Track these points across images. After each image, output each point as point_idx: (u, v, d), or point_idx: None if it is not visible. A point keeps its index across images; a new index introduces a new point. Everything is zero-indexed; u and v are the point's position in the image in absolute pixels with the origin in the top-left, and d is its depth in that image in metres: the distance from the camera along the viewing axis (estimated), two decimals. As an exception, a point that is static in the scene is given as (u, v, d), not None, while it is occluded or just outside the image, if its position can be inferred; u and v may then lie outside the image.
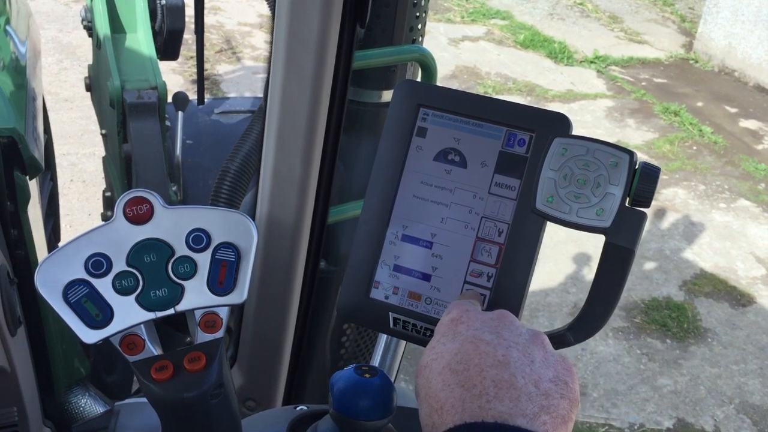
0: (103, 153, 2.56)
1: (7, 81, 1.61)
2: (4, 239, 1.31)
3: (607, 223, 0.67)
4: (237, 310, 1.35)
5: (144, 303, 0.65)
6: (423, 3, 1.41)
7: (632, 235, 0.67)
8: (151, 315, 0.65)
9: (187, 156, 2.23)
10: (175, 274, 0.66)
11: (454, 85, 5.24)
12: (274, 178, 1.16)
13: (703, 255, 3.78)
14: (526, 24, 6.58)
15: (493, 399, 0.55)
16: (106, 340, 0.65)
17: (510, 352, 0.58)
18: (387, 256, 0.75)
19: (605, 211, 0.67)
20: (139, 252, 0.65)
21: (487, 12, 6.74)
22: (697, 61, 6.14)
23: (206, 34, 4.77)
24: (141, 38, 2.31)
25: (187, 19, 2.38)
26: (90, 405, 1.61)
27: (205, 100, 2.32)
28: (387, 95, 1.47)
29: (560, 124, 0.71)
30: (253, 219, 0.95)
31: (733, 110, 5.40)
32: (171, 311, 0.66)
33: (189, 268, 0.66)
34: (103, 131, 2.46)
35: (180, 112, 2.14)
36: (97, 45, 2.36)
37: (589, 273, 3.49)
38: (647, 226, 4.07)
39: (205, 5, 1.73)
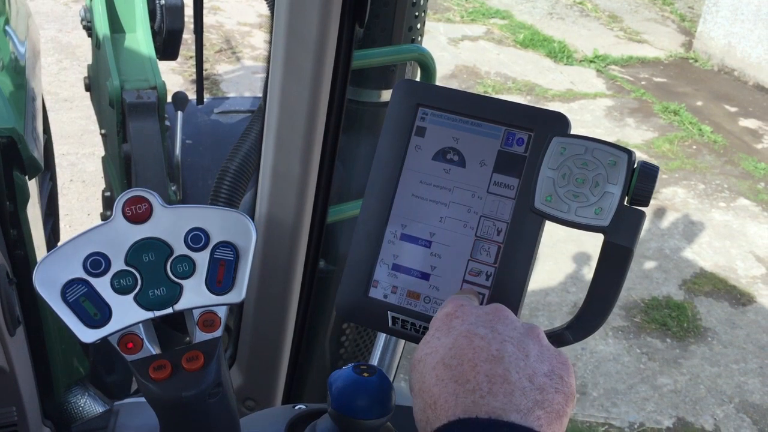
0: (102, 153, 2.56)
1: (6, 81, 1.61)
2: (4, 239, 1.31)
3: (606, 222, 0.67)
4: (236, 310, 1.35)
5: (142, 302, 0.65)
6: (422, 2, 1.41)
7: (631, 234, 0.67)
8: (150, 314, 0.65)
9: (187, 156, 2.23)
10: (173, 274, 0.66)
11: (454, 84, 5.24)
12: (274, 178, 1.16)
13: (703, 254, 3.78)
14: (525, 23, 6.58)
15: (486, 394, 0.55)
16: (105, 340, 0.65)
17: (504, 347, 0.58)
18: (386, 255, 0.75)
19: (604, 210, 0.67)
20: (137, 251, 0.65)
21: (486, 11, 6.75)
22: (696, 61, 6.14)
23: (206, 34, 4.78)
24: (140, 38, 2.31)
25: (186, 18, 2.38)
26: (89, 405, 1.61)
27: (205, 99, 2.32)
28: (386, 95, 1.47)
29: (559, 123, 0.71)
30: (253, 219, 0.95)
31: (733, 109, 5.40)
32: (169, 310, 0.66)
33: (187, 268, 0.66)
34: (103, 131, 2.46)
35: (179, 112, 2.14)
36: (97, 45, 2.36)
37: (589, 272, 3.49)
38: (647, 225, 4.07)
39: (205, 5, 1.73)
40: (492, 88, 5.33)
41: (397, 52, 1.43)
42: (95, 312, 0.64)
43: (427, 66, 1.41)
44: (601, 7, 7.19)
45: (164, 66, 2.36)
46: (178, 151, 2.10)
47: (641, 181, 0.67)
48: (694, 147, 4.84)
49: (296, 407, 0.85)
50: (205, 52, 4.07)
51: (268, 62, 1.10)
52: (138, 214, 0.66)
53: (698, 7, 6.89)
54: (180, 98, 2.15)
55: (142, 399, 0.69)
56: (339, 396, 0.69)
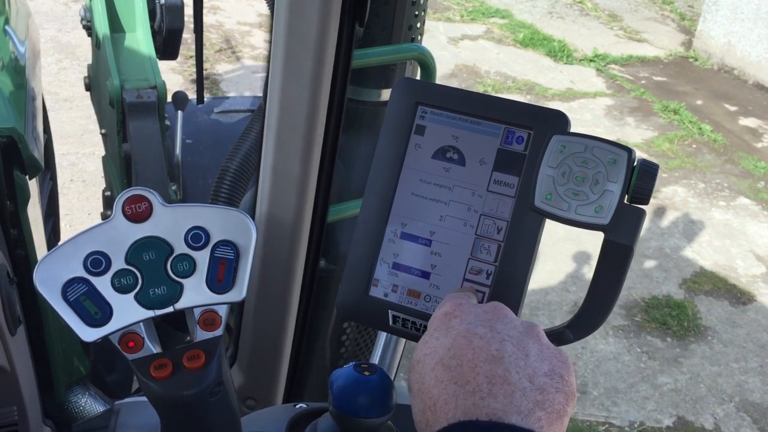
0: (102, 152, 2.56)
1: (6, 81, 1.61)
2: (4, 239, 1.31)
3: (606, 220, 0.67)
4: (237, 309, 1.35)
5: (143, 301, 0.65)
6: (422, 1, 1.41)
7: (631, 232, 0.67)
8: (150, 313, 0.65)
9: (187, 155, 2.23)
10: (174, 272, 0.66)
11: (454, 83, 5.24)
12: (274, 177, 1.16)
13: (703, 253, 3.78)
14: (525, 22, 6.58)
15: (487, 396, 0.54)
16: (105, 339, 0.65)
17: (504, 346, 0.57)
18: (386, 254, 0.75)
19: (604, 208, 0.67)
20: (138, 250, 0.65)
21: (486, 11, 6.75)
22: (696, 59, 6.14)
23: (205, 34, 4.78)
24: (140, 38, 2.31)
25: (186, 18, 2.38)
26: (90, 404, 1.61)
27: (205, 99, 2.32)
28: (386, 94, 1.47)
29: (558, 121, 0.71)
30: (253, 218, 0.95)
31: (733, 108, 5.40)
32: (170, 309, 0.66)
33: (188, 266, 0.66)
34: (103, 131, 2.46)
35: (179, 112, 2.14)
36: (97, 45, 2.37)
37: (589, 271, 3.49)
38: (647, 224, 4.07)
39: (204, 4, 1.73)
40: (492, 87, 5.33)
41: (397, 51, 1.43)
42: (96, 311, 0.64)
43: (427, 65, 1.41)
44: (600, 6, 7.19)
45: (164, 65, 2.36)
46: (178, 150, 2.10)
47: (641, 179, 0.67)
48: (694, 146, 4.84)
49: (297, 406, 0.85)
50: (205, 51, 4.07)
51: (268, 62, 1.10)
52: (138, 213, 0.66)
53: (698, 6, 6.89)
54: (180, 98, 2.15)
55: (143, 398, 0.69)
56: (340, 395, 0.69)
